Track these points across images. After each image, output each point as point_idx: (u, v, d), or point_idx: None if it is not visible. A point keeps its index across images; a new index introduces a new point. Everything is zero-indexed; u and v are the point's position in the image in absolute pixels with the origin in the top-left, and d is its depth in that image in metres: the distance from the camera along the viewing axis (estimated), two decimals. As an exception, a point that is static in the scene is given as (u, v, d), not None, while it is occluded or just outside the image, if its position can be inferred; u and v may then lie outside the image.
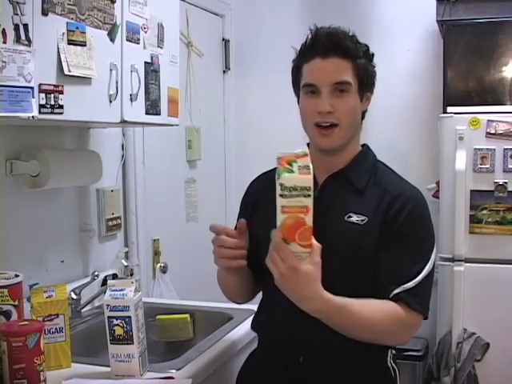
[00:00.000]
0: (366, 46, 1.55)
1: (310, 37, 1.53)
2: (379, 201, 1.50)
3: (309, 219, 1.28)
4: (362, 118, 1.58)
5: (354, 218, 1.49)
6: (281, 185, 1.26)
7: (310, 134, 1.55)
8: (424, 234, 1.51)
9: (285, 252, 1.28)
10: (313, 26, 1.55)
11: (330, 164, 1.56)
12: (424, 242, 1.50)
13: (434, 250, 1.52)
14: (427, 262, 1.48)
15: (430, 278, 1.48)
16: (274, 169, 1.70)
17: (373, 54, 1.56)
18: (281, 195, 1.27)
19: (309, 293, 1.31)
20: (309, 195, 1.28)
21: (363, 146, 1.63)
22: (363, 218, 1.48)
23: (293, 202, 1.27)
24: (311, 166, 1.29)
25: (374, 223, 1.48)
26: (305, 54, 1.53)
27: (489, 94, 2.86)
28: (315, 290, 1.31)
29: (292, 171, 1.28)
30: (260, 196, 1.64)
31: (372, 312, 1.41)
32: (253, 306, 1.73)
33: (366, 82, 1.53)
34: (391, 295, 1.44)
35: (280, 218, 1.27)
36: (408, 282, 1.44)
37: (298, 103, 1.58)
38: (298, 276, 1.28)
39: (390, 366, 1.57)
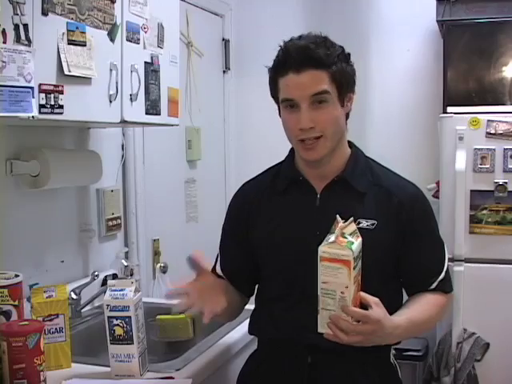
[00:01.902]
0: (341, 47, 1.50)
1: (281, 52, 1.49)
2: (386, 203, 1.51)
3: (360, 281, 1.34)
4: (347, 118, 1.54)
5: (364, 224, 1.48)
6: (354, 258, 1.28)
7: (295, 147, 1.54)
8: (434, 224, 1.60)
9: (366, 316, 1.32)
10: (305, 30, 1.52)
11: (323, 171, 1.54)
12: (436, 231, 1.59)
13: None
14: (444, 248, 1.58)
15: (447, 260, 1.59)
16: (263, 173, 1.67)
17: (349, 54, 1.51)
18: (354, 268, 1.28)
19: (390, 329, 1.38)
20: (361, 257, 1.33)
21: (349, 143, 1.59)
22: (372, 221, 1.48)
23: (356, 270, 1.31)
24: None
25: (385, 226, 1.49)
26: (278, 69, 1.48)
27: (489, 94, 2.86)
28: (391, 323, 1.38)
29: (352, 242, 1.30)
30: (255, 200, 1.61)
31: (425, 311, 1.51)
32: (252, 306, 1.72)
33: (345, 86, 1.48)
34: (429, 288, 1.55)
35: (352, 289, 1.29)
36: (440, 273, 1.56)
37: (279, 114, 1.54)
38: (382, 324, 1.34)
39: (392, 362, 1.60)
